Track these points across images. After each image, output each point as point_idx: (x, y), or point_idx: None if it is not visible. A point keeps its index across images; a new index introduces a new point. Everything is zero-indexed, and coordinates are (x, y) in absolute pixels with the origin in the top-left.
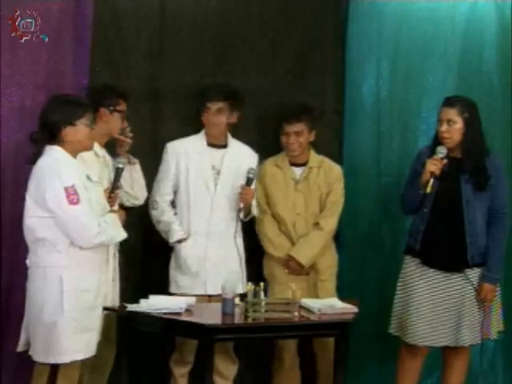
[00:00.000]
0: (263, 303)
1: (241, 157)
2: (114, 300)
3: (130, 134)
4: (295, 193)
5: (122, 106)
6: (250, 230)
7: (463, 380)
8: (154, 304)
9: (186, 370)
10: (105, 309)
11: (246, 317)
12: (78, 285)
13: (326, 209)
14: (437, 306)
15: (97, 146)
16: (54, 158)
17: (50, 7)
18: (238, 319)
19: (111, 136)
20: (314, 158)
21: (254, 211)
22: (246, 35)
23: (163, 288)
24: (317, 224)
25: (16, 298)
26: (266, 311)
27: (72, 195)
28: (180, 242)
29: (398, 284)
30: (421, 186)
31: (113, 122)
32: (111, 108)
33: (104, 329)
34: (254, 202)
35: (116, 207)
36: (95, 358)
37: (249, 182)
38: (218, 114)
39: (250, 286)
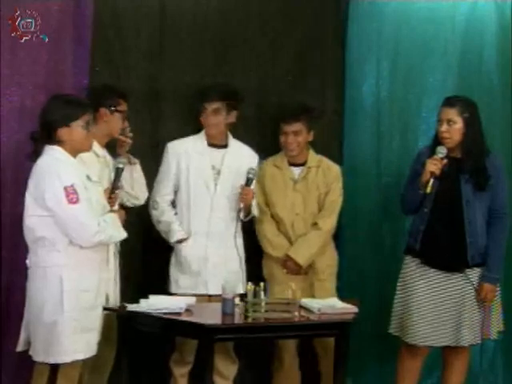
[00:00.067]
0: (263, 303)
1: (241, 157)
2: (115, 300)
3: (130, 134)
4: (294, 193)
5: (123, 106)
6: (249, 230)
7: (463, 380)
8: (154, 304)
9: (186, 370)
10: (105, 309)
11: (246, 317)
12: (78, 285)
13: (324, 208)
14: (437, 305)
15: (97, 146)
16: (53, 157)
17: (50, 7)
18: (238, 319)
19: (111, 136)
20: (313, 157)
21: (254, 211)
22: (245, 35)
23: (163, 288)
24: (315, 224)
25: (16, 297)
26: (266, 311)
27: (71, 194)
28: (180, 242)
29: (398, 284)
30: (421, 186)
31: (113, 122)
32: (112, 108)
33: (104, 329)
34: (254, 202)
35: (116, 207)
36: (95, 357)
37: (249, 182)
38: (215, 114)
39: (250, 286)
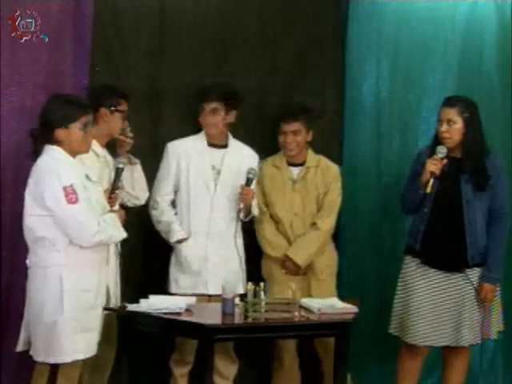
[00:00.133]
0: (263, 303)
1: (241, 157)
2: (115, 300)
3: (131, 134)
4: (293, 193)
5: (123, 106)
6: (249, 230)
7: (463, 380)
8: (154, 304)
9: (186, 370)
10: (105, 309)
11: (246, 317)
12: (78, 285)
13: (323, 208)
14: (437, 305)
15: (97, 146)
16: (53, 157)
17: (50, 7)
18: (238, 319)
19: (112, 136)
20: (312, 157)
21: (255, 211)
22: (245, 35)
23: (163, 288)
24: (314, 224)
25: (16, 297)
26: (266, 311)
27: (71, 194)
28: (180, 242)
29: (398, 284)
30: (421, 186)
31: (113, 122)
32: (112, 108)
33: (105, 329)
34: (254, 202)
35: (117, 207)
36: (95, 357)
37: (248, 182)
38: (213, 114)
39: (250, 286)
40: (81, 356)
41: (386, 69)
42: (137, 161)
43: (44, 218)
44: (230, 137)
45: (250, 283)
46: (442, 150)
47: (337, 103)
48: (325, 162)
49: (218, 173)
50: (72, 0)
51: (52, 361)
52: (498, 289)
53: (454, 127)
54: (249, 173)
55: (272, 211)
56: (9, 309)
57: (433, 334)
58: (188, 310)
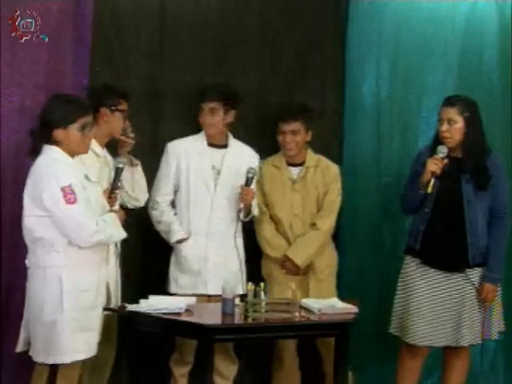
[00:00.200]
0: (263, 303)
1: (241, 157)
2: (115, 300)
3: (132, 135)
4: (292, 193)
5: (123, 106)
6: (250, 230)
7: (464, 380)
8: (154, 304)
9: (186, 370)
10: (105, 309)
11: (246, 317)
12: (77, 284)
13: (323, 208)
14: (437, 305)
15: (97, 146)
16: (51, 157)
17: (50, 7)
18: (238, 319)
19: (112, 136)
20: (311, 157)
21: (255, 211)
22: (245, 35)
23: (163, 288)
24: (314, 224)
25: (16, 297)
26: (266, 311)
27: (69, 195)
28: (180, 242)
29: (398, 284)
30: (421, 186)
31: (114, 121)
32: (112, 108)
33: (105, 329)
34: (254, 202)
35: (116, 207)
36: (95, 358)
37: (248, 181)
38: (212, 114)
39: (251, 286)
40: (81, 356)
41: (386, 69)
42: (138, 162)
43: (43, 219)
44: (231, 137)
45: (250, 283)
46: (442, 150)
47: (337, 103)
48: (324, 161)
49: (218, 173)
50: (72, 0)
51: (51, 361)
52: (499, 289)
53: (455, 127)
54: (248, 172)
55: (272, 211)
56: (9, 309)
57: (433, 333)
58: (188, 310)
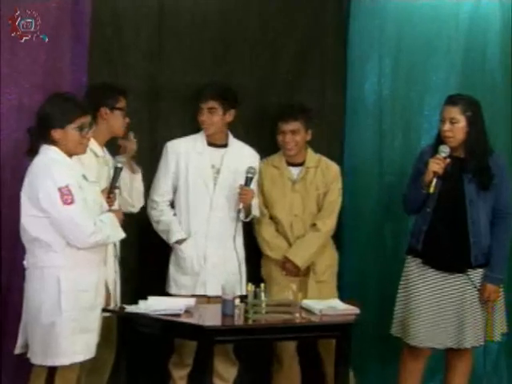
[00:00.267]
0: (264, 304)
1: (241, 157)
2: (115, 302)
3: (135, 140)
4: (292, 193)
5: (122, 103)
6: (249, 231)
7: (466, 382)
8: (153, 305)
9: (185, 373)
10: (104, 310)
11: (247, 318)
12: (76, 285)
13: (323, 209)
14: (439, 306)
15: (96, 146)
16: (49, 157)
17: (49, 6)
18: (238, 321)
19: (114, 134)
20: (311, 157)
21: (255, 212)
22: (245, 35)
23: (162, 289)
24: (314, 225)
25: (17, 298)
26: (267, 312)
27: (66, 195)
28: (180, 242)
29: (400, 284)
30: (424, 186)
31: (114, 120)
32: (112, 107)
33: (104, 330)
34: (253, 202)
35: (115, 206)
36: (94, 359)
37: (248, 181)
38: (210, 114)
39: (251, 287)
40: (79, 358)
41: (388, 66)
42: (138, 169)
43: (40, 219)
44: (231, 136)
45: (250, 284)
46: (444, 150)
47: (337, 102)
48: (325, 161)
49: (218, 172)
50: None
51: (50, 363)
52: (502, 290)
53: (457, 126)
54: (248, 172)
55: (271, 212)
56: (9, 309)
57: (434, 335)
58: (187, 312)
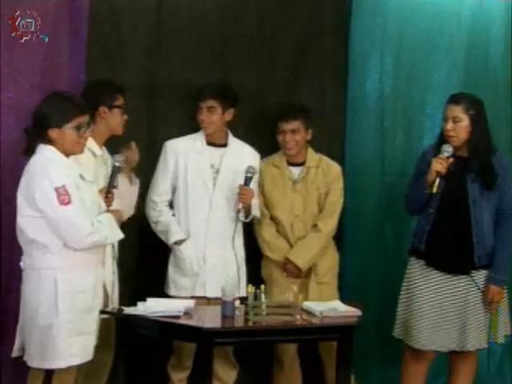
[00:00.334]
0: (264, 306)
1: (241, 156)
2: (113, 303)
3: (137, 150)
4: (293, 193)
5: (121, 101)
6: (250, 231)
7: None
8: (152, 307)
9: (185, 375)
10: (102, 312)
11: (247, 320)
12: (73, 286)
13: (324, 209)
14: (442, 308)
15: (94, 145)
16: (45, 157)
17: (49, 6)
18: (238, 322)
19: (113, 132)
20: (312, 157)
21: (256, 212)
22: (243, 31)
23: (161, 290)
24: (315, 226)
25: (16, 299)
26: (267, 314)
27: (63, 195)
28: (179, 243)
29: (403, 285)
30: (427, 186)
31: (113, 118)
32: (110, 105)
33: (102, 332)
34: (253, 202)
35: (114, 206)
36: (92, 362)
37: (247, 181)
38: (209, 113)
39: (251, 289)
40: (76, 361)
41: (389, 64)
42: (137, 181)
43: (37, 220)
44: (230, 136)
45: (250, 285)
46: (447, 149)
47: (338, 100)
48: (326, 161)
49: (217, 172)
50: None
51: (47, 366)
52: (505, 291)
53: (460, 125)
54: (247, 171)
55: (272, 212)
56: (9, 310)
57: (437, 337)
58: (187, 313)
